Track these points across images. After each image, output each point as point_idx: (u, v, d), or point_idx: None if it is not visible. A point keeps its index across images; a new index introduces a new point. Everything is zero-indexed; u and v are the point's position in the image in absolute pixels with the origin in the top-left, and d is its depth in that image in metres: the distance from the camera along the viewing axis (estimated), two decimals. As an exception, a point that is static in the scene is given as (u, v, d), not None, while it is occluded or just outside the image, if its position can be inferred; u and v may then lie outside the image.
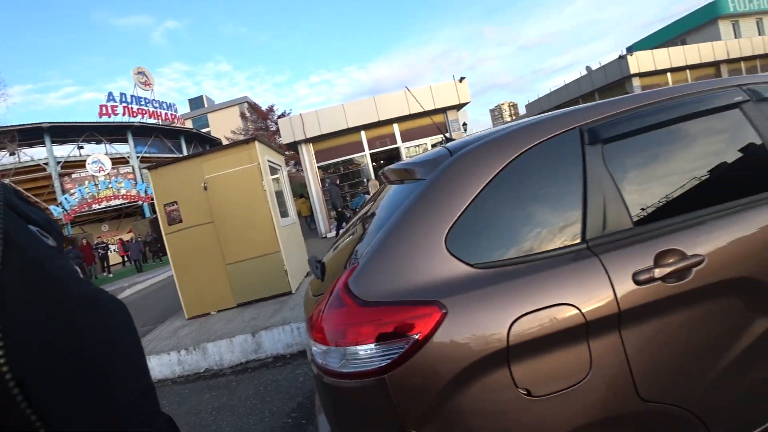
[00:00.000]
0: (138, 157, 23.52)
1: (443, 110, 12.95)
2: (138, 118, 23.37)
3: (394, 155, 13.02)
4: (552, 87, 21.21)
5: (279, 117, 22.62)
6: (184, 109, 37.33)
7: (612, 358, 1.12)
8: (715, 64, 18.63)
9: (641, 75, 16.64)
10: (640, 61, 16.39)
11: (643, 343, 1.14)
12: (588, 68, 19.09)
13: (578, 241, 1.20)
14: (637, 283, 1.13)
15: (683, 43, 24.94)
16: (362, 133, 12.81)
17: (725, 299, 1.22)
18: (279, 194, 6.09)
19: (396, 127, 12.75)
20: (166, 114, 25.10)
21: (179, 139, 27.15)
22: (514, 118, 49.44)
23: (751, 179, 1.43)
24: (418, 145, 12.90)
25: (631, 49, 29.37)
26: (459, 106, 13.26)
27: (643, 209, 1.29)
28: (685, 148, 1.45)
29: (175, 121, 25.97)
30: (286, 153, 13.42)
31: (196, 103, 41.78)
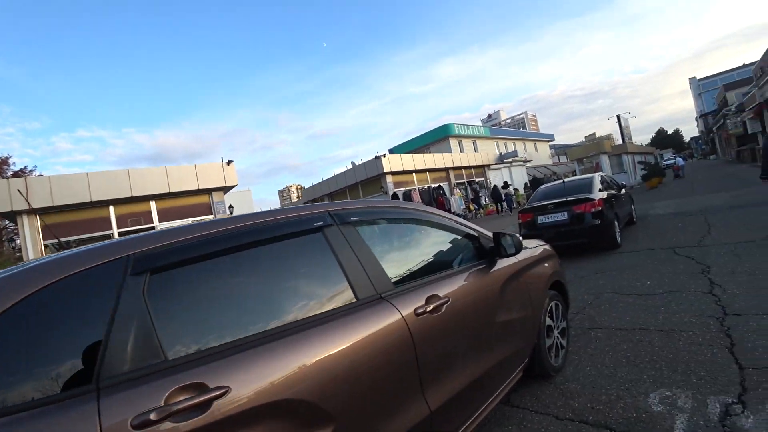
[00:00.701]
0: None
1: (208, 191, 12.73)
2: None
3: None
4: (331, 174, 23.06)
5: (15, 174, 18.32)
6: None
7: None
8: (446, 170, 23.77)
9: (393, 173, 19.94)
10: (392, 162, 19.72)
11: None
12: (353, 163, 21.93)
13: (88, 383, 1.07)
14: (135, 428, 1.04)
15: (429, 151, 31.47)
16: (111, 208, 11.38)
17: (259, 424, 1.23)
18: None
19: (153, 205, 11.81)
20: None
21: None
22: (299, 198, 51.83)
23: (320, 299, 1.64)
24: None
25: (393, 151, 35.39)
26: (226, 189, 13.25)
27: (176, 342, 1.24)
28: (254, 274, 1.58)
29: None
30: None
31: None
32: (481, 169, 27.13)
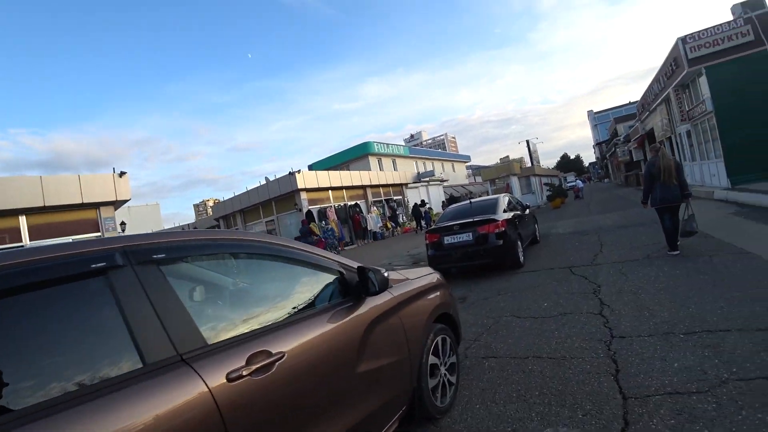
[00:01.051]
0: None
1: (95, 205, 11.58)
2: None
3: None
4: (244, 189, 22.18)
5: None
6: None
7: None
8: (363, 187, 23.94)
9: (307, 190, 19.65)
10: (306, 179, 19.44)
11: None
12: (267, 179, 21.28)
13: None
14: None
15: (348, 168, 31.60)
16: (-35, 223, 9.90)
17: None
18: None
19: (23, 220, 10.46)
20: None
21: None
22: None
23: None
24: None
25: (312, 167, 35.14)
26: (117, 204, 12.15)
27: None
28: None
29: None
30: None
31: None
32: (399, 187, 27.75)
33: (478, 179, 50.31)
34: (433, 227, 8.20)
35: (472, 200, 8.95)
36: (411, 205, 27.66)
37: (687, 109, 15.54)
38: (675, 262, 5.58)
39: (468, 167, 56.48)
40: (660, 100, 18.59)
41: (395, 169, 34.91)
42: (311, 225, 19.06)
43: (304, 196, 19.57)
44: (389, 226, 24.35)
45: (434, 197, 31.50)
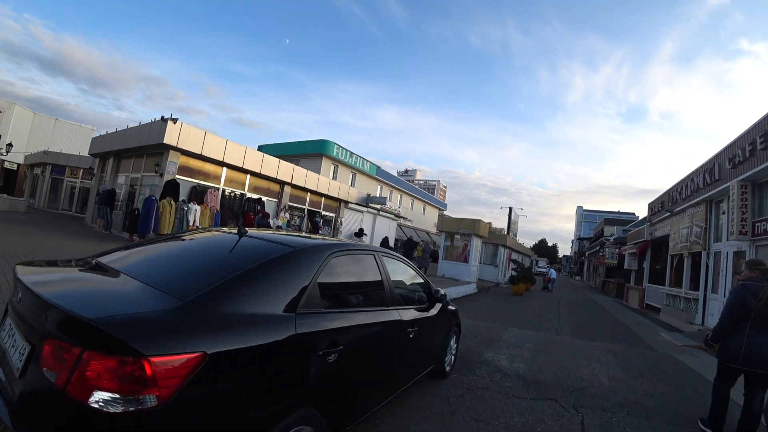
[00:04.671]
0: None
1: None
2: None
3: None
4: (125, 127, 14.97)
5: None
6: None
7: None
8: (281, 183, 17.72)
9: (186, 153, 13.28)
10: (186, 136, 13.08)
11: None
12: (163, 117, 14.59)
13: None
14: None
15: (298, 163, 25.42)
16: None
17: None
18: None
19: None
20: None
21: None
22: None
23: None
24: None
25: (263, 149, 28.72)
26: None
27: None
28: None
29: None
30: None
31: None
32: (336, 203, 21.55)
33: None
34: None
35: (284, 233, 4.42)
36: (343, 227, 21.43)
37: (753, 218, 10.01)
38: None
39: (440, 215, 50.91)
40: (699, 199, 13.17)
41: (353, 185, 28.82)
42: (163, 201, 12.60)
43: (174, 158, 13.17)
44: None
45: (381, 232, 25.38)
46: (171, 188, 12.86)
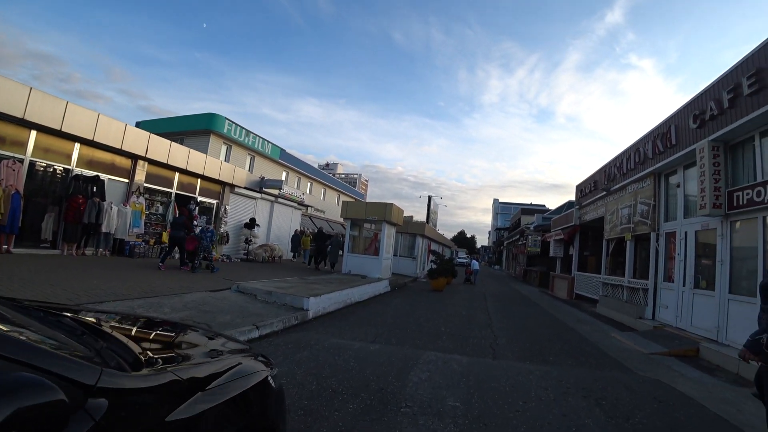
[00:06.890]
0: None
1: None
2: None
3: None
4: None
5: None
6: None
7: None
8: (134, 158, 13.22)
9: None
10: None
11: None
12: None
13: None
14: None
15: (182, 141, 20.60)
16: None
17: None
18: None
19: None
20: None
21: None
22: None
23: None
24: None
25: (142, 125, 23.20)
26: None
27: None
28: None
29: None
30: None
31: None
32: (220, 186, 17.25)
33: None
34: None
35: None
36: (228, 217, 17.26)
37: (727, 187, 7.89)
38: None
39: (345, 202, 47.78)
40: (646, 172, 11.17)
41: (251, 170, 24.46)
42: None
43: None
44: (165, 240, 13.64)
45: (282, 223, 21.45)
46: None
